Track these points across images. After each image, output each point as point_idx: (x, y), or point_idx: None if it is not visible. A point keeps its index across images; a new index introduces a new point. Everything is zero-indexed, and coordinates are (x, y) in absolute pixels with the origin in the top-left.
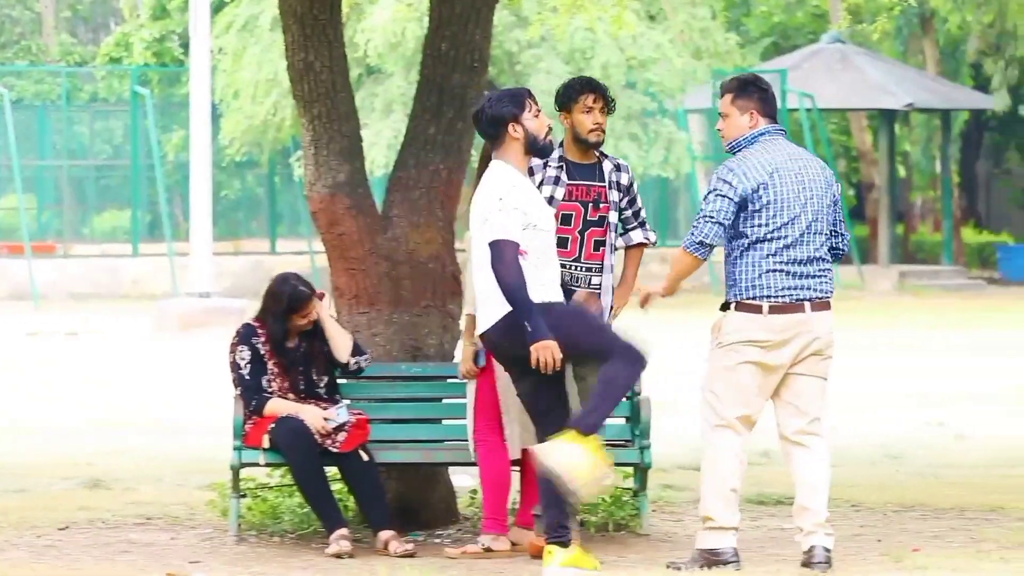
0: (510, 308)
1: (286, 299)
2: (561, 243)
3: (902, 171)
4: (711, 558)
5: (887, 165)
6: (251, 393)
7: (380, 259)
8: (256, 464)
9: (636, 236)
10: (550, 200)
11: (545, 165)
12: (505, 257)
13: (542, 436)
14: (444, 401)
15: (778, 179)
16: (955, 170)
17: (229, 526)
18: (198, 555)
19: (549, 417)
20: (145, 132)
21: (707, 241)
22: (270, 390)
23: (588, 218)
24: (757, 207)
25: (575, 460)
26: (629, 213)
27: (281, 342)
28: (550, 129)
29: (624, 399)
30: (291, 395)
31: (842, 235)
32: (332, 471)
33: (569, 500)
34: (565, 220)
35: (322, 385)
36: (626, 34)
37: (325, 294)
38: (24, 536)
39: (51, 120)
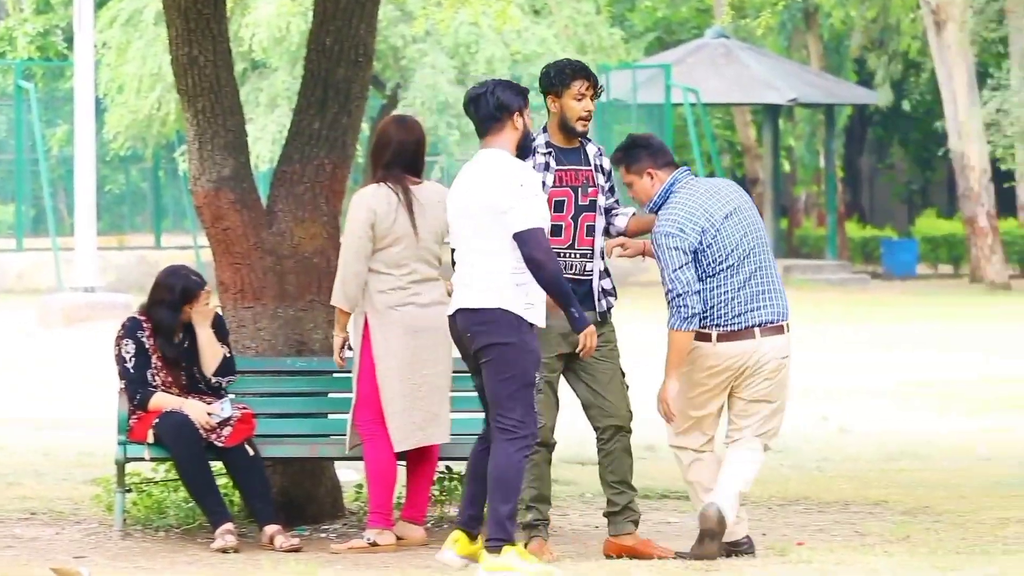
0: (505, 305)
1: (179, 289)
2: (555, 231)
3: (786, 166)
4: (732, 548)
5: (771, 160)
6: (136, 386)
7: (265, 254)
8: (141, 459)
9: (620, 222)
10: (541, 187)
11: (533, 152)
12: (544, 245)
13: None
14: (329, 395)
15: (716, 219)
16: (839, 165)
17: (114, 521)
18: (83, 550)
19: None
20: (29, 126)
21: (696, 312)
22: (155, 384)
23: (579, 203)
24: (704, 250)
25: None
26: (613, 200)
27: (169, 335)
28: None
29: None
30: (175, 389)
31: None
32: (217, 466)
33: None
34: (558, 207)
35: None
36: (510, 29)
37: (211, 292)
38: None
39: None
